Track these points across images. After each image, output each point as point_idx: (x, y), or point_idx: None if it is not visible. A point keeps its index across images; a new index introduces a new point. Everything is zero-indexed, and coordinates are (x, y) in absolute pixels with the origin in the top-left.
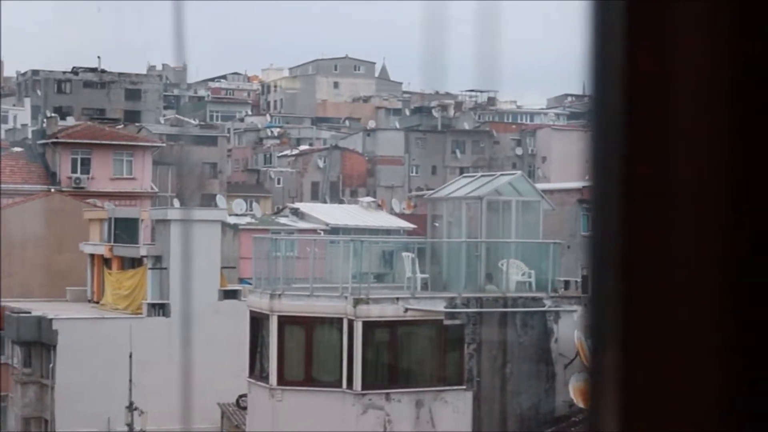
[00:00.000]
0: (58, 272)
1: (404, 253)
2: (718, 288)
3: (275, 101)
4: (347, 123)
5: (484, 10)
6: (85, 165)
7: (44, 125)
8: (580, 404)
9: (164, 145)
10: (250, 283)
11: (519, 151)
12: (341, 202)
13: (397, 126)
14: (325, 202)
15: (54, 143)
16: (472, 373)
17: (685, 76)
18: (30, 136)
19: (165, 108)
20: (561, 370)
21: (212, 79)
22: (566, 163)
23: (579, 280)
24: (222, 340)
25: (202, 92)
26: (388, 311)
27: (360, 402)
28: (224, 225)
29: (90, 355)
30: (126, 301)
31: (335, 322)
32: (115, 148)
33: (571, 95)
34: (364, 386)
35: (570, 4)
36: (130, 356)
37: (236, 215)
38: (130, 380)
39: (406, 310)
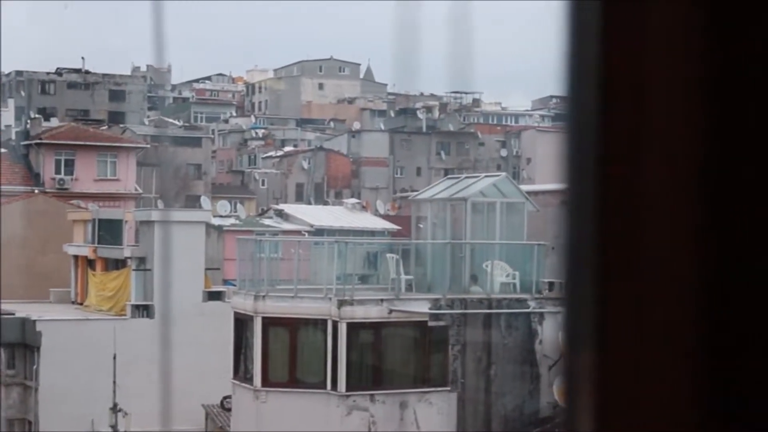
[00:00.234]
0: (42, 273)
1: (389, 255)
2: (692, 289)
3: (260, 102)
4: (332, 124)
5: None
6: (69, 166)
7: (28, 126)
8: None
9: (148, 146)
10: (234, 285)
11: (504, 152)
12: (326, 203)
13: (382, 127)
14: (309, 203)
15: (38, 144)
16: (457, 375)
17: (660, 76)
18: (14, 137)
19: (149, 109)
20: (545, 372)
21: (197, 80)
22: (551, 165)
23: (563, 281)
24: (206, 341)
25: (186, 93)
26: (373, 313)
27: (344, 403)
28: (208, 226)
29: (74, 356)
30: (110, 302)
31: (319, 324)
32: (99, 149)
33: (556, 97)
34: (349, 387)
35: (552, 5)
36: (114, 358)
37: (220, 216)
38: (114, 382)
39: (391, 311)
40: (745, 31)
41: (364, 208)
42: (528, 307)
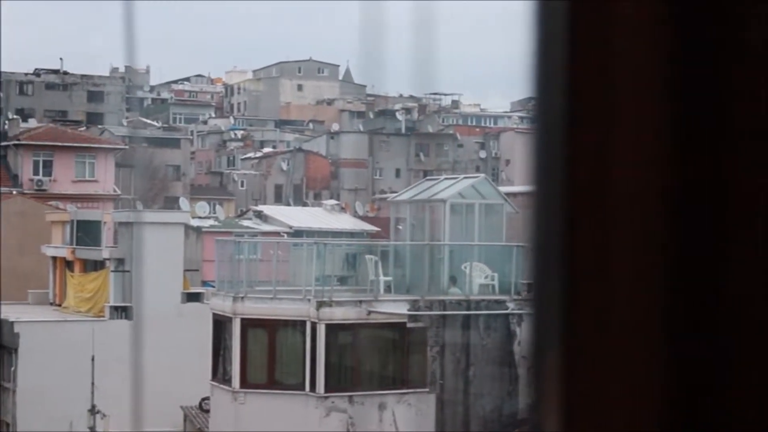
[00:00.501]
0: (20, 275)
1: (367, 256)
2: (660, 290)
3: (239, 104)
4: (311, 126)
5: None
6: (47, 167)
7: (6, 127)
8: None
9: (127, 147)
10: (213, 286)
11: (483, 154)
12: (305, 204)
13: (361, 129)
14: (288, 204)
15: (16, 145)
16: (435, 376)
17: (627, 76)
18: None
19: (128, 110)
20: (524, 373)
21: (175, 81)
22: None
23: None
24: (185, 343)
25: (165, 94)
26: (351, 314)
27: (323, 405)
28: (187, 228)
29: (52, 358)
30: (88, 303)
31: (298, 325)
32: (78, 150)
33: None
34: (327, 389)
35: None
36: (93, 359)
37: (199, 218)
38: (93, 383)
39: (369, 312)
40: (711, 27)
41: (343, 209)
42: (507, 309)
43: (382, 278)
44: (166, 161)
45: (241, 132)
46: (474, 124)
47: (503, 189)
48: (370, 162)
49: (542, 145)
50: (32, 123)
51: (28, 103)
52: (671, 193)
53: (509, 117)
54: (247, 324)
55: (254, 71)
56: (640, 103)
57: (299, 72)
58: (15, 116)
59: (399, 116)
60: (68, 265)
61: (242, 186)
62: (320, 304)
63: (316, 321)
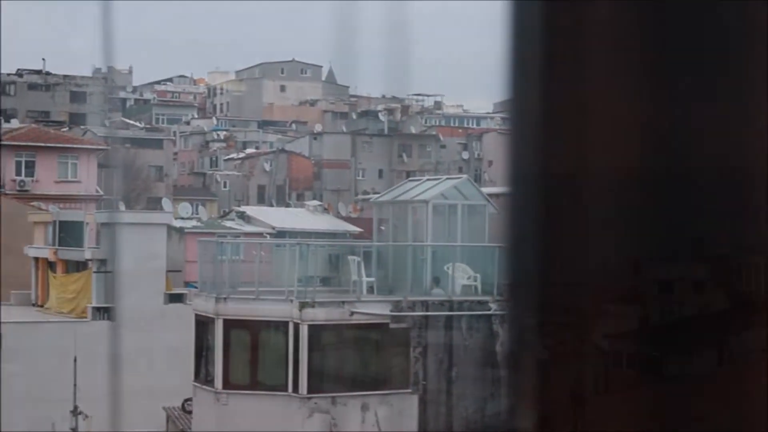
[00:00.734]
0: (2, 276)
1: (350, 257)
2: (634, 294)
3: (221, 104)
4: (294, 126)
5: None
6: (30, 168)
7: None
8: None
9: (109, 148)
10: (195, 287)
11: (465, 155)
12: (288, 205)
13: (344, 130)
14: (271, 205)
15: None
16: (418, 377)
17: (599, 73)
18: None
19: (110, 111)
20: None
21: (158, 82)
22: None
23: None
24: (167, 344)
25: (147, 95)
26: (334, 315)
27: (306, 405)
28: (170, 228)
29: (34, 359)
30: (71, 304)
31: (281, 326)
32: (60, 150)
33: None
34: (310, 390)
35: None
36: (75, 360)
37: (182, 218)
38: (75, 384)
39: (352, 313)
40: (682, 26)
41: (325, 210)
42: (489, 309)
43: (364, 279)
44: (149, 162)
45: (224, 133)
46: (457, 125)
47: (486, 190)
48: (352, 163)
49: (517, 145)
50: (14, 123)
51: (11, 103)
52: (645, 188)
53: (492, 118)
54: (230, 325)
55: (237, 72)
56: (612, 99)
57: (282, 73)
58: None
59: (382, 117)
60: (51, 265)
61: (225, 187)
62: (303, 305)
63: (299, 322)
